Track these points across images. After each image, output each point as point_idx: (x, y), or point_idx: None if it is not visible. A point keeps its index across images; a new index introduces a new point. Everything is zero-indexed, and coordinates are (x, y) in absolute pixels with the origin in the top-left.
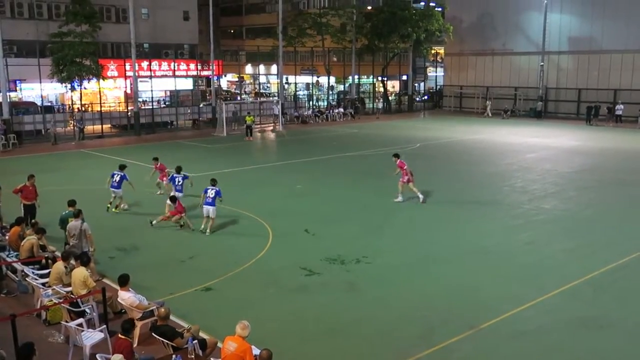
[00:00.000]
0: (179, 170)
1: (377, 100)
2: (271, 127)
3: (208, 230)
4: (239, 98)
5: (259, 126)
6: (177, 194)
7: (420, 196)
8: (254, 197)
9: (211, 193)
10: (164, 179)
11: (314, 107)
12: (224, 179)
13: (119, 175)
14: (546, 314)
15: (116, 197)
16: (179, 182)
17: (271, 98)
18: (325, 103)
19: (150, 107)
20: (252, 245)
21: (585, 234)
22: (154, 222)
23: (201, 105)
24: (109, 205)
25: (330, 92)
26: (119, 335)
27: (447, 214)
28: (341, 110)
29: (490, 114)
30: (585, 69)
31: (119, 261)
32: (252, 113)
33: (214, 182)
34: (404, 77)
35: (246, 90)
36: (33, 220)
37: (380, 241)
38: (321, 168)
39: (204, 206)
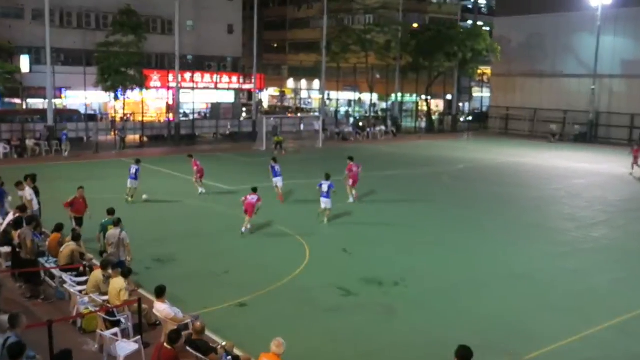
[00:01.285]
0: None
1: (420, 119)
2: (312, 143)
3: (325, 219)
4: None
5: (295, 142)
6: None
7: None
8: (292, 214)
9: (325, 187)
10: (200, 178)
11: (355, 124)
12: (263, 194)
13: (135, 168)
14: (595, 348)
15: (131, 187)
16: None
17: (312, 114)
18: (366, 120)
19: (191, 118)
20: (288, 263)
21: (635, 265)
22: (243, 229)
23: (242, 119)
24: (126, 196)
25: (372, 110)
26: (165, 344)
27: (490, 237)
28: (382, 128)
29: (554, 139)
30: (638, 94)
31: (155, 272)
32: (287, 131)
33: (327, 177)
34: (449, 97)
35: (287, 104)
36: (73, 227)
37: (420, 263)
38: (360, 186)
39: (321, 199)
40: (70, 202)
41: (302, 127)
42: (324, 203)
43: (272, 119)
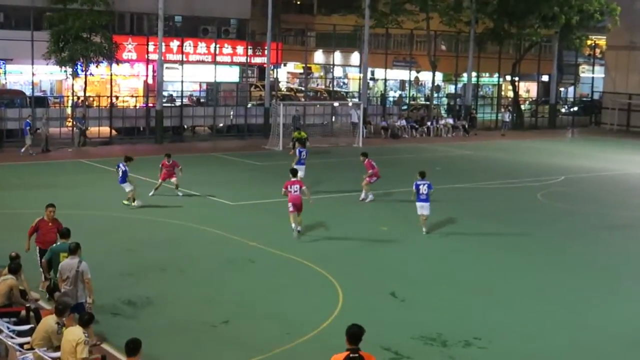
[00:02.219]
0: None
1: (503, 110)
2: (348, 142)
3: (424, 229)
4: (303, 99)
5: (324, 139)
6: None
7: (364, 195)
8: (318, 241)
9: (424, 189)
10: (173, 176)
11: (410, 115)
12: (275, 210)
13: (121, 170)
14: None
15: (131, 190)
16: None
17: (348, 100)
18: (427, 110)
19: (179, 104)
20: (312, 310)
21: None
22: (297, 230)
23: (249, 106)
24: (126, 202)
25: (436, 95)
26: None
27: (601, 283)
28: (449, 121)
29: None
30: None
31: (125, 319)
32: (312, 125)
33: (423, 175)
34: (545, 78)
35: (313, 86)
36: (11, 255)
37: (503, 316)
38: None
39: (417, 203)
40: (35, 226)
41: (334, 118)
42: (423, 208)
43: (292, 107)
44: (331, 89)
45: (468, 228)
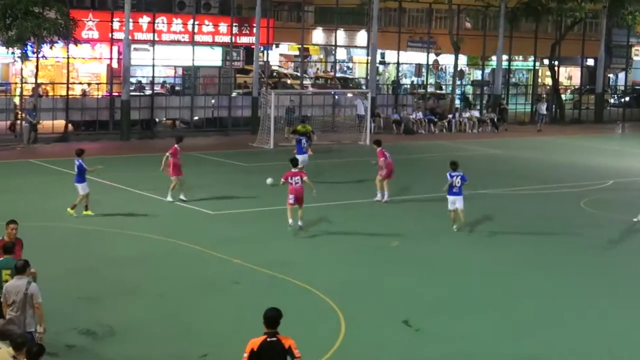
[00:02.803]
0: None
1: (540, 100)
2: (352, 138)
3: (455, 225)
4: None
5: (324, 135)
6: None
7: (380, 195)
8: (316, 257)
9: (457, 181)
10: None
11: (429, 107)
12: (263, 220)
13: (76, 165)
14: None
15: (83, 194)
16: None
17: (353, 88)
18: (448, 101)
19: (150, 92)
20: (308, 344)
21: None
22: (291, 222)
23: (234, 95)
24: (70, 209)
25: (459, 82)
26: None
27: None
28: (475, 114)
29: None
30: None
31: (83, 354)
32: (312, 118)
33: (455, 166)
34: (590, 62)
35: (312, 71)
36: None
37: (537, 349)
38: (433, 213)
39: (448, 197)
40: None
41: (336, 110)
42: (456, 202)
43: (286, 96)
44: (333, 74)
45: (496, 244)
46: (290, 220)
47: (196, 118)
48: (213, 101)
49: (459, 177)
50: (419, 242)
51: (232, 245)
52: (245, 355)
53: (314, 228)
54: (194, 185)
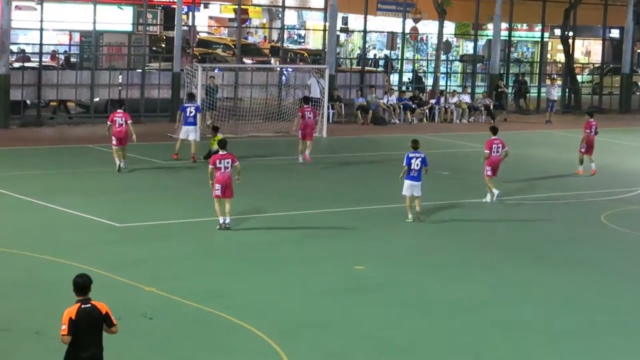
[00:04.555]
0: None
1: (549, 82)
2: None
3: (410, 216)
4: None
5: (264, 124)
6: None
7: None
8: (257, 287)
9: (416, 163)
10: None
11: (405, 88)
12: (184, 235)
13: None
14: None
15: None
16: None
17: (304, 64)
18: (431, 81)
19: (37, 65)
20: None
21: None
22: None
23: (147, 69)
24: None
25: (444, 57)
26: None
27: None
28: (465, 99)
29: None
30: None
31: None
32: (252, 102)
33: (416, 145)
34: (614, 34)
35: (252, 40)
36: None
37: None
38: (408, 229)
39: (405, 181)
40: None
41: (283, 92)
42: (413, 188)
43: (216, 71)
44: (279, 44)
45: (486, 271)
46: (220, 219)
47: (97, 100)
48: (121, 78)
49: (420, 159)
50: (388, 268)
51: (143, 268)
52: (64, 326)
53: (253, 248)
54: (96, 188)
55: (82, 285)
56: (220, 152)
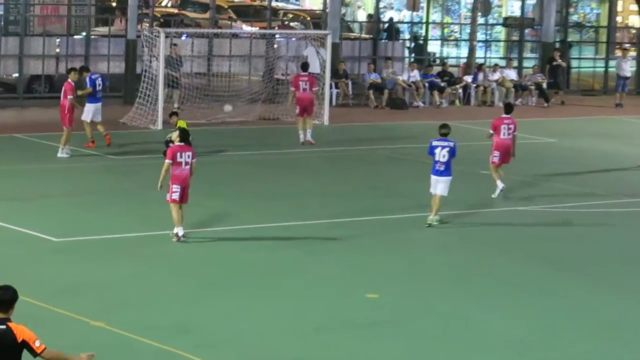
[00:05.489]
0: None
1: (620, 54)
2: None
3: (432, 217)
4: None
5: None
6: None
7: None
8: (232, 323)
9: (442, 154)
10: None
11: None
12: (146, 253)
13: None
14: None
15: None
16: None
17: (300, 29)
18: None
19: None
20: None
21: None
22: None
23: (93, 36)
24: None
25: (483, 20)
26: None
27: None
28: (510, 75)
29: None
30: None
31: None
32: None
33: (445, 132)
34: None
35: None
36: None
37: None
38: (432, 243)
39: (431, 176)
40: None
41: (274, 65)
42: (438, 185)
43: (183, 37)
44: (266, 3)
45: (533, 296)
46: (178, 229)
47: (28, 75)
48: (58, 46)
49: (446, 148)
50: (413, 292)
51: (88, 295)
52: None
53: (226, 268)
54: (26, 193)
55: (1, 299)
56: (179, 144)
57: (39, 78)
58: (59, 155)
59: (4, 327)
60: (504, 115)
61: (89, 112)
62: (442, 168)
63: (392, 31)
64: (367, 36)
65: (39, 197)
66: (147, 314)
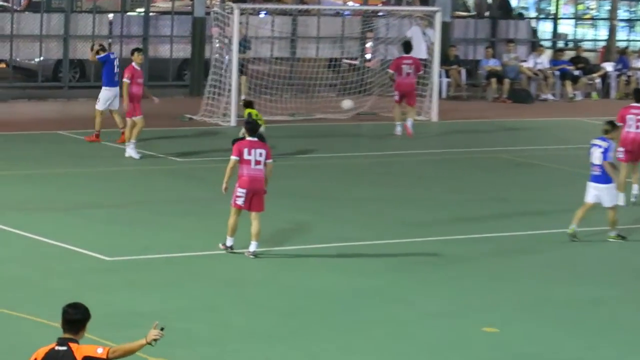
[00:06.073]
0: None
1: None
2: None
3: (573, 227)
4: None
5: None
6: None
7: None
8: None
9: (597, 155)
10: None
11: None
12: (210, 283)
13: None
14: None
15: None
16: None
17: (397, 7)
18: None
19: None
20: None
21: None
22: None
23: (153, 12)
24: None
25: None
26: None
27: None
28: None
29: None
30: None
31: None
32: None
33: (608, 128)
34: None
35: None
36: None
37: None
38: (581, 267)
39: (589, 184)
40: None
41: (367, 53)
42: (597, 193)
43: (261, 14)
44: None
45: None
46: (228, 241)
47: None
48: (110, 24)
49: (602, 149)
50: (548, 327)
51: (147, 326)
52: None
53: (310, 297)
54: (71, 202)
55: (69, 318)
56: (249, 139)
57: (78, 64)
58: (128, 153)
59: (64, 348)
60: (634, 104)
61: (107, 99)
62: (597, 173)
63: (507, 7)
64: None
65: (86, 207)
66: (218, 352)
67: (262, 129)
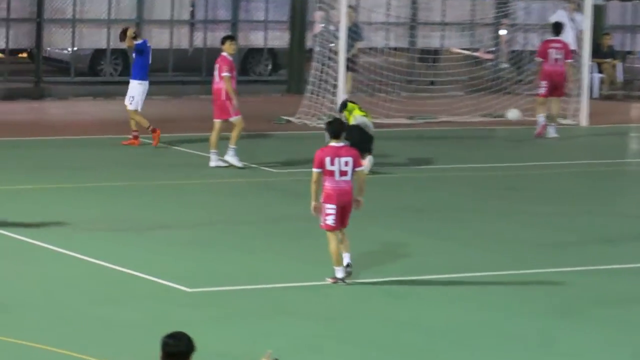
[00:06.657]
0: None
1: None
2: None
3: None
4: None
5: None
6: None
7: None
8: None
9: None
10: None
11: None
12: (303, 318)
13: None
14: None
15: None
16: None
17: None
18: None
19: None
20: None
21: None
22: None
23: None
24: None
25: None
26: None
27: None
28: None
29: None
30: None
31: None
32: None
33: None
34: None
35: None
36: None
37: None
38: None
39: None
40: None
41: (507, 38)
42: None
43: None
44: None
45: None
46: (338, 272)
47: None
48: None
49: None
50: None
51: None
52: None
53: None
54: (144, 220)
55: (170, 351)
56: (333, 144)
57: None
58: (215, 162)
59: None
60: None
61: (142, 95)
62: None
63: None
64: None
65: (164, 227)
66: None
67: (365, 120)
